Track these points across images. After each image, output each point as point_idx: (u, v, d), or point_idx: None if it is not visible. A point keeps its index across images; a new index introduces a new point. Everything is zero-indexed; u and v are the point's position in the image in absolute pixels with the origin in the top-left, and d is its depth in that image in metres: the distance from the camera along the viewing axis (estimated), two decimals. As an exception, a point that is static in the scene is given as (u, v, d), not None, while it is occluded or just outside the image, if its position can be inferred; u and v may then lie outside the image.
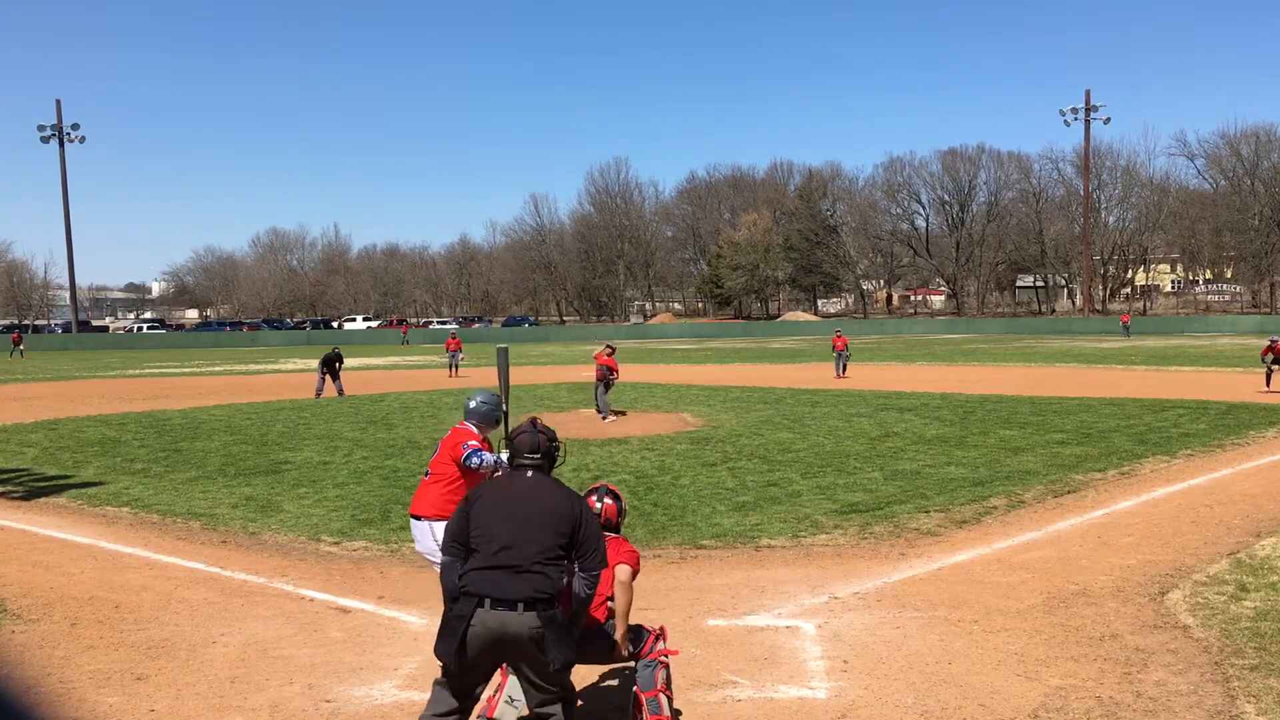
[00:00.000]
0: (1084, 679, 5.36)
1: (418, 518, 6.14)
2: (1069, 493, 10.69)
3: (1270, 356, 21.61)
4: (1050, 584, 7.22)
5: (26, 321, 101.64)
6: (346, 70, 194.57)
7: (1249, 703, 4.97)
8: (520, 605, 3.90)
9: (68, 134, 75.35)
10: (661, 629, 4.97)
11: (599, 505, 4.97)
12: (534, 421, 4.45)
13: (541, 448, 4.35)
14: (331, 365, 24.89)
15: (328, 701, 5.31)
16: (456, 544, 4.17)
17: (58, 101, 78.03)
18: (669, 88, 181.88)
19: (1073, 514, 9.66)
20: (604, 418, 18.27)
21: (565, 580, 4.12)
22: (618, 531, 5.03)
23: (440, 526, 5.53)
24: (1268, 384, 21.38)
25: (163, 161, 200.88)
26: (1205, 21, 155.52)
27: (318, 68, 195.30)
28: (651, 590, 7.25)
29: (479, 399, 6.34)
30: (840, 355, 28.32)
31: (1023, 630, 6.22)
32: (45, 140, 75.50)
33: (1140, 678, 5.36)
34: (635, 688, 4.80)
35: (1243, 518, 9.24)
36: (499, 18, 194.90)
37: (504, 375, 7.40)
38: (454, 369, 33.13)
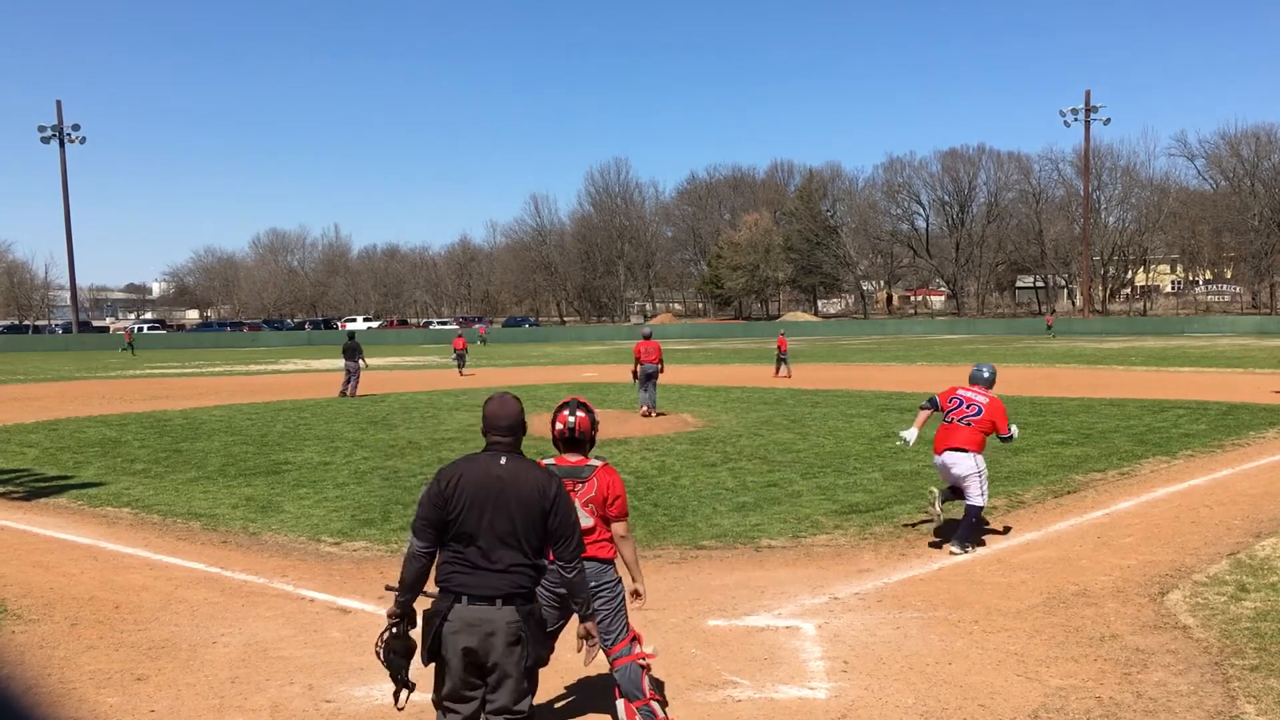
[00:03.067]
0: (1084, 679, 5.37)
1: (963, 450, 8.44)
2: (1069, 493, 10.70)
3: None
4: (1050, 584, 7.23)
5: (42, 322, 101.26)
6: (347, 70, 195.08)
7: (1249, 703, 4.97)
8: (499, 600, 3.83)
9: (68, 134, 75.25)
10: (638, 634, 4.82)
11: (572, 420, 4.71)
12: (504, 396, 4.14)
13: (519, 422, 4.07)
14: (356, 351, 24.28)
15: (328, 702, 5.31)
16: (432, 528, 3.89)
17: (58, 102, 77.86)
18: (669, 88, 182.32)
19: (1073, 514, 9.67)
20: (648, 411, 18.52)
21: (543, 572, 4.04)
22: (593, 444, 4.83)
23: (980, 458, 8.45)
24: None
25: (163, 162, 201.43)
26: (1205, 22, 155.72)
27: (318, 68, 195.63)
28: (652, 590, 7.20)
29: (985, 369, 9.09)
30: (780, 356, 29.16)
31: (1023, 630, 6.22)
32: (46, 141, 75.39)
33: (1140, 678, 5.36)
34: (618, 698, 4.62)
35: (1243, 518, 9.24)
36: (499, 18, 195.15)
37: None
38: (460, 367, 33.65)
